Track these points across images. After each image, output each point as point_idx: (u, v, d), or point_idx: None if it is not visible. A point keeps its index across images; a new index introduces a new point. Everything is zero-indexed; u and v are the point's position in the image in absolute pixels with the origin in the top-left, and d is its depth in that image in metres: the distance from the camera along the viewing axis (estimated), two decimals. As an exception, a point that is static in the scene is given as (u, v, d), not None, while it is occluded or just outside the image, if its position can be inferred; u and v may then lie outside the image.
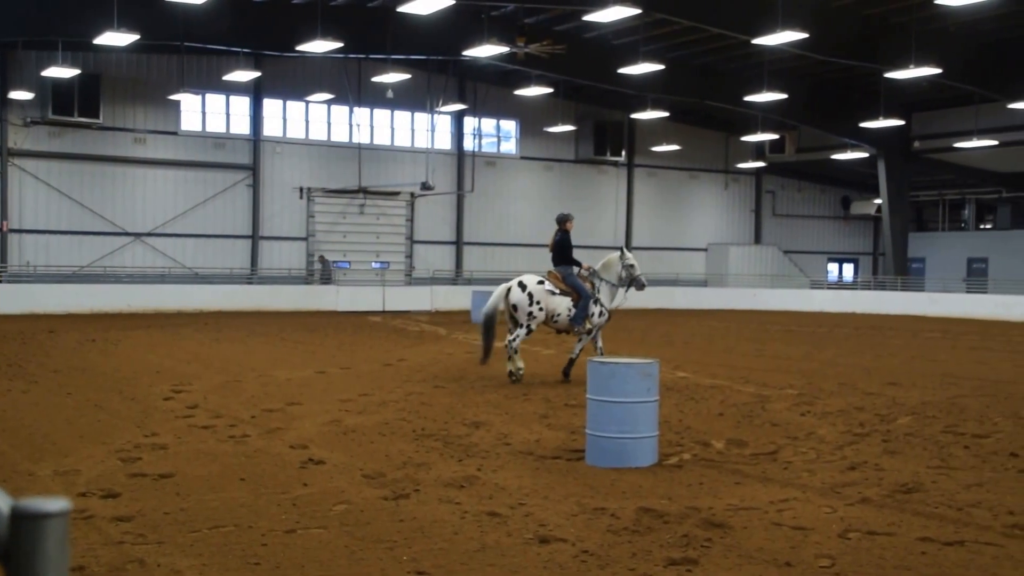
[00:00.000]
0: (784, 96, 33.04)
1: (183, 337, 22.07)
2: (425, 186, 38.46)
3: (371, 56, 34.51)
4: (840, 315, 37.68)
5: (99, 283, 33.12)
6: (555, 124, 40.82)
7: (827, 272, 51.13)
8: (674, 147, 43.79)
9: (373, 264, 39.34)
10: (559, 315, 14.27)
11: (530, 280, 14.37)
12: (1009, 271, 42.77)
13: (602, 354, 14.14)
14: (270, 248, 37.79)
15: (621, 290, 14.67)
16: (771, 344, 22.65)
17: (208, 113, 36.91)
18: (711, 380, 14.76)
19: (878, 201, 45.25)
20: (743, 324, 30.89)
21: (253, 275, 37.02)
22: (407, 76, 33.89)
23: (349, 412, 11.31)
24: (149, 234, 35.53)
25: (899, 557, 5.99)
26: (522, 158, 42.95)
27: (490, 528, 6.55)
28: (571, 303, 14.25)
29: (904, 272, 42.52)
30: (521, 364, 14.16)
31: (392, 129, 40.27)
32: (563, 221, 15.06)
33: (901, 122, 36.74)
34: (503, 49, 28.91)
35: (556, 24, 31.90)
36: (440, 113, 39.75)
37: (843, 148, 42.23)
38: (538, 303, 14.17)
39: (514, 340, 14.15)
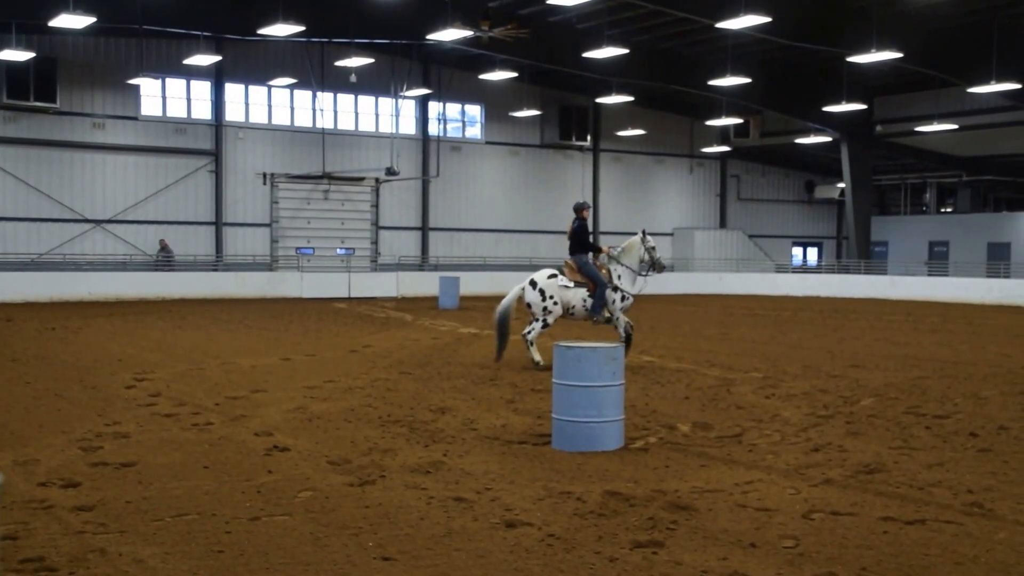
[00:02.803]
0: (748, 80, 33.15)
1: (145, 325, 21.84)
2: (390, 171, 38.25)
3: (334, 40, 34.18)
4: (804, 299, 38.01)
5: (58, 271, 32.68)
6: (520, 109, 40.74)
7: (792, 256, 51.49)
8: (639, 132, 43.86)
9: (338, 250, 39.12)
10: (574, 307, 14.23)
11: (541, 276, 14.38)
12: (969, 254, 43.31)
13: (625, 337, 14.18)
14: (234, 235, 37.44)
15: (640, 277, 14.52)
16: (736, 328, 22.78)
17: (168, 98, 36.41)
18: (677, 364, 14.83)
19: (841, 185, 45.61)
20: (708, 308, 31.07)
21: (217, 262, 36.69)
22: (371, 60, 33.59)
23: (314, 399, 11.25)
24: (110, 221, 35.06)
25: (861, 537, 6.05)
26: (487, 143, 42.82)
27: (456, 513, 6.56)
28: (587, 294, 14.15)
29: (867, 256, 42.93)
30: (538, 357, 13.99)
31: (356, 114, 39.97)
32: (580, 209, 14.86)
33: (863, 106, 37.00)
34: (467, 33, 28.76)
35: (520, 8, 31.75)
36: (404, 98, 39.51)
37: (807, 132, 42.46)
38: (551, 297, 14.17)
39: (528, 333, 14.24)
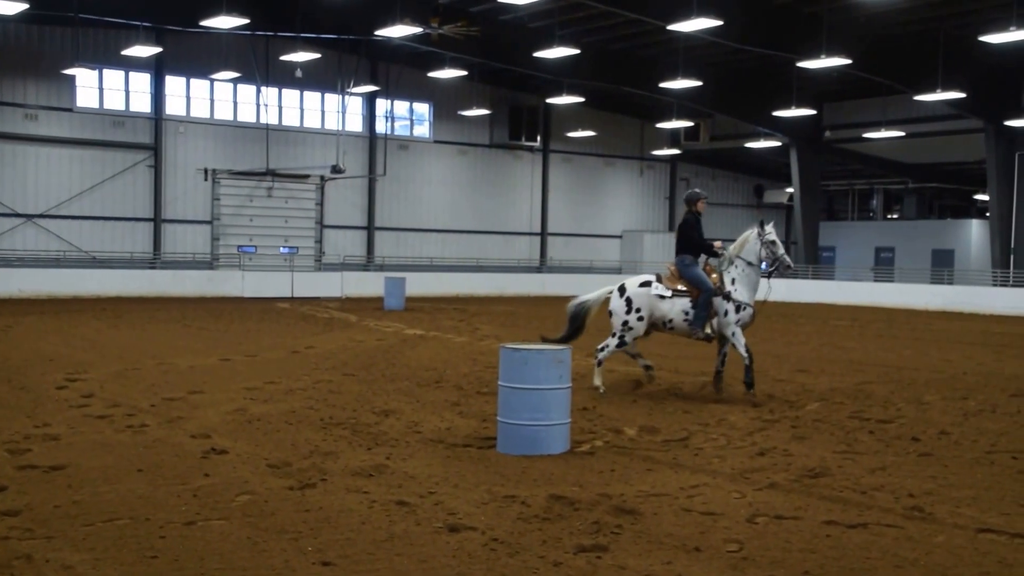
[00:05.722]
0: (699, 83, 33.36)
1: (79, 323, 21.39)
2: (335, 169, 37.90)
3: (279, 34, 33.77)
4: (751, 302, 38.25)
5: (-13, 267, 31.92)
6: (469, 108, 40.61)
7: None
8: (589, 133, 43.95)
9: (281, 249, 38.67)
10: (672, 321, 11.83)
11: (632, 282, 12.13)
12: (914, 260, 43.99)
13: (748, 360, 11.69)
14: (173, 232, 36.83)
15: (764, 277, 11.99)
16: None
17: (106, 89, 35.69)
18: (624, 367, 14.79)
19: (790, 190, 46.10)
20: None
21: (155, 260, 36.08)
22: (317, 56, 33.25)
23: (254, 400, 11.05)
24: (42, 216, 34.24)
25: (805, 540, 6.07)
26: (436, 142, 42.64)
27: (398, 517, 6.48)
28: (689, 304, 11.73)
29: (815, 260, 43.44)
30: (599, 381, 11.94)
31: (301, 110, 39.57)
32: (692, 200, 12.37)
33: (813, 112, 37.44)
34: (417, 30, 28.54)
35: (471, 5, 31.63)
36: (351, 94, 39.19)
37: (756, 137, 42.85)
38: (638, 311, 11.87)
39: (601, 350, 12.15)
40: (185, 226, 37.02)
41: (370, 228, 41.12)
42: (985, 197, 40.53)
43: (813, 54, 28.17)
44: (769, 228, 12.05)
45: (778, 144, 42.57)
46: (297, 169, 38.55)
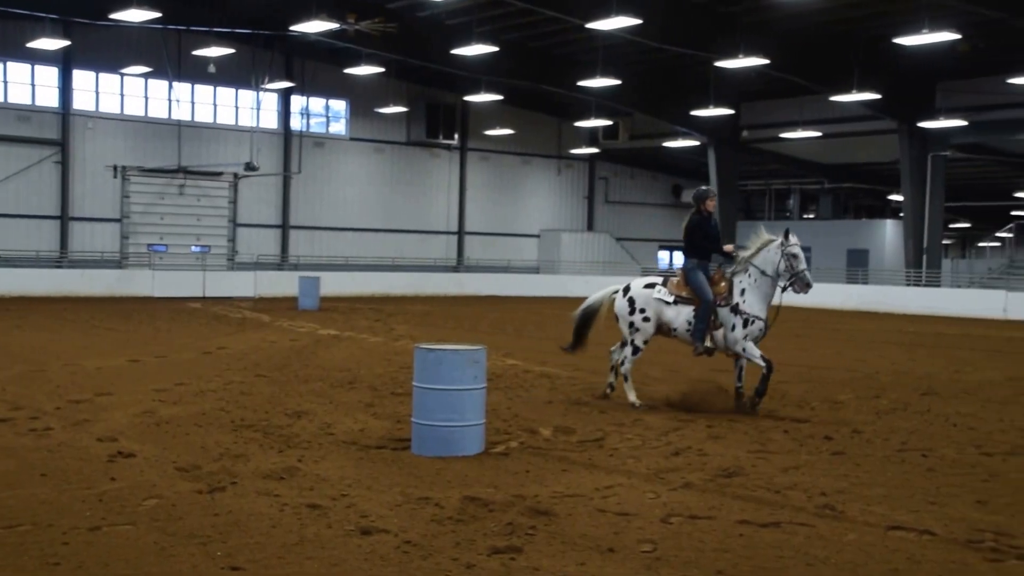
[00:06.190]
0: (618, 82, 33.56)
1: (-19, 323, 20.70)
2: (249, 167, 37.31)
3: (192, 28, 33.09)
4: (667, 301, 38.57)
5: None
6: (386, 105, 40.34)
7: (658, 259, 52.38)
8: (508, 131, 43.97)
9: (193, 248, 37.95)
10: (676, 330, 11.05)
11: (636, 283, 11.45)
12: (830, 260, 44.88)
13: (765, 372, 10.68)
14: (81, 230, 35.89)
15: (779, 289, 10.91)
16: (600, 332, 22.94)
17: (10, 83, 34.66)
18: (541, 367, 14.82)
19: (709, 189, 46.51)
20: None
21: (62, 259, 35.09)
22: (231, 51, 32.64)
23: (163, 402, 10.80)
24: (-59, 212, 33.16)
25: (718, 540, 6.11)
26: (352, 139, 42.27)
27: (310, 520, 6.39)
28: (693, 314, 10.92)
29: (732, 260, 43.93)
30: (633, 397, 11.04)
31: (214, 106, 38.90)
32: (700, 199, 11.31)
33: (731, 111, 37.82)
34: (332, 25, 28.27)
35: (388, 2, 31.38)
36: (266, 90, 38.62)
37: (675, 136, 43.21)
38: (642, 311, 11.11)
39: (622, 364, 11.34)
40: (93, 224, 36.11)
41: (285, 227, 40.60)
42: (899, 197, 41.47)
43: (731, 54, 28.56)
44: (794, 239, 10.87)
45: (696, 144, 43.04)
46: (210, 166, 37.87)
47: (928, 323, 28.46)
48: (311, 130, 41.43)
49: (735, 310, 10.72)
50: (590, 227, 49.77)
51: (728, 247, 11.21)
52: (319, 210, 41.38)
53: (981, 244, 57.48)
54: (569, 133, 46.88)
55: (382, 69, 35.61)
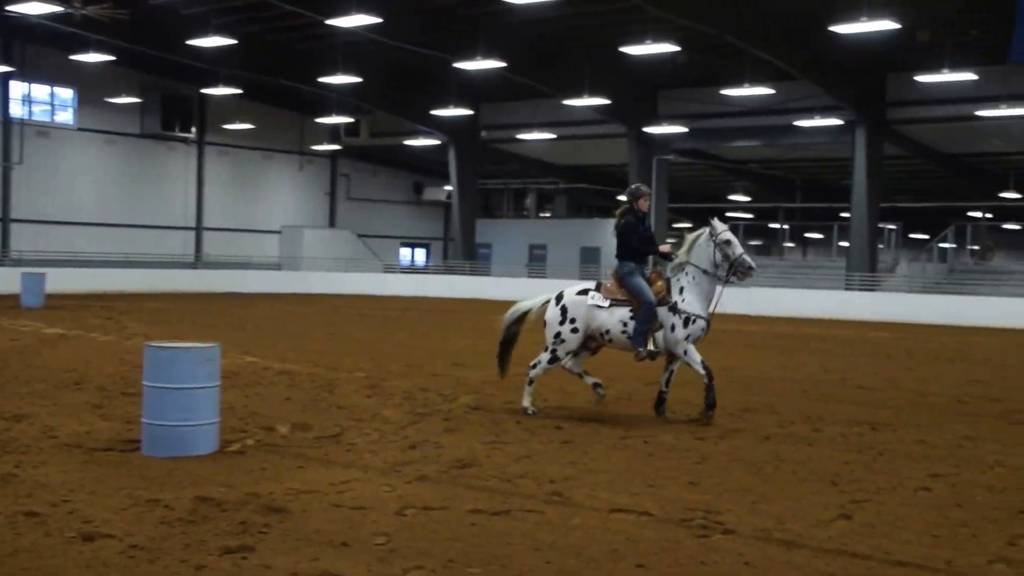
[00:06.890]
0: (359, 80, 33.48)
1: None
2: (-36, 155, 34.53)
3: None
4: (412, 299, 39.02)
5: None
6: (118, 95, 38.37)
7: (400, 256, 52.65)
8: (248, 126, 42.97)
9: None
10: (609, 333, 10.40)
11: (571, 291, 10.71)
12: (564, 257, 46.51)
13: (707, 380, 10.16)
14: None
15: (719, 288, 10.49)
16: (343, 327, 22.90)
17: None
18: (281, 364, 14.61)
19: (449, 188, 47.36)
20: (317, 308, 31.01)
21: None
22: (-60, 30, 30.11)
23: None
24: None
25: (451, 530, 6.26)
26: (80, 130, 39.91)
27: (26, 529, 6.04)
28: (628, 315, 10.28)
29: (472, 257, 44.90)
30: (528, 402, 10.63)
31: (-77, 89, 35.70)
32: (635, 197, 10.66)
33: (470, 112, 38.58)
34: (57, 8, 26.56)
35: (119, -14, 29.85)
36: (-18, 75, 35.84)
37: (416, 135, 43.65)
38: (572, 321, 10.47)
39: (532, 367, 10.82)
40: None
41: (4, 220, 37.87)
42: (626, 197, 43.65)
43: (469, 55, 29.14)
44: (722, 226, 10.40)
45: (438, 143, 43.65)
46: (-83, 153, 34.72)
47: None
48: (34, 118, 38.77)
49: (674, 309, 10.22)
50: (332, 224, 49.42)
51: (665, 247, 10.78)
52: (45, 203, 38.80)
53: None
54: (311, 129, 46.36)
55: (113, 57, 33.69)
